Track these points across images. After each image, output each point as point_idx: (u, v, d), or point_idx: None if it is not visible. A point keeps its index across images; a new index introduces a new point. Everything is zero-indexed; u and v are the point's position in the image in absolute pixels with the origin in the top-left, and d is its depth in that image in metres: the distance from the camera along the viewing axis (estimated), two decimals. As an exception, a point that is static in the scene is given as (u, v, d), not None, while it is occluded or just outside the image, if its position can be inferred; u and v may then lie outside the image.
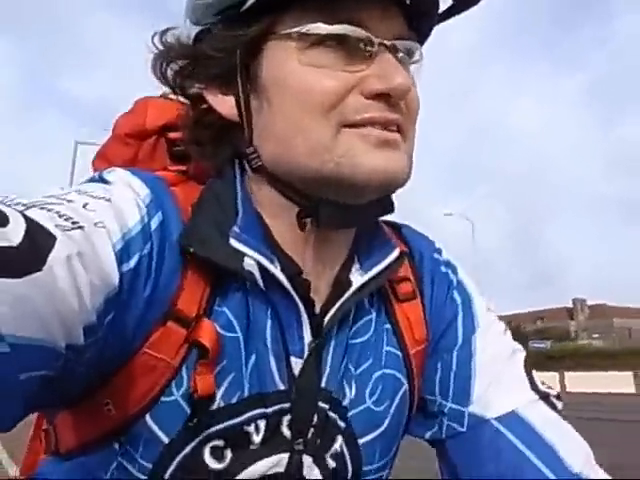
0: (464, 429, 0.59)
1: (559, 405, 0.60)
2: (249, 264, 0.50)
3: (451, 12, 0.56)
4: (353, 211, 0.53)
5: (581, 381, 23.11)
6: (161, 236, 0.49)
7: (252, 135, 0.54)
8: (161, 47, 0.57)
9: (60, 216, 0.43)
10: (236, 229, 0.51)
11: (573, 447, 0.56)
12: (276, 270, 0.51)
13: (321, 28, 0.49)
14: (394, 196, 0.57)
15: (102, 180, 0.52)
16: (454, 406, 0.60)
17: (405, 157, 0.52)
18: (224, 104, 0.54)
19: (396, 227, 0.68)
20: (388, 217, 0.60)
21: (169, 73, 0.57)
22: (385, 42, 0.50)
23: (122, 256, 0.46)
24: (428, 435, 0.63)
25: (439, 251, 0.68)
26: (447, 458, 0.61)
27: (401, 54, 0.53)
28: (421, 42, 0.56)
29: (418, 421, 0.63)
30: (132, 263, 0.46)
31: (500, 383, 0.59)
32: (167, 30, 0.57)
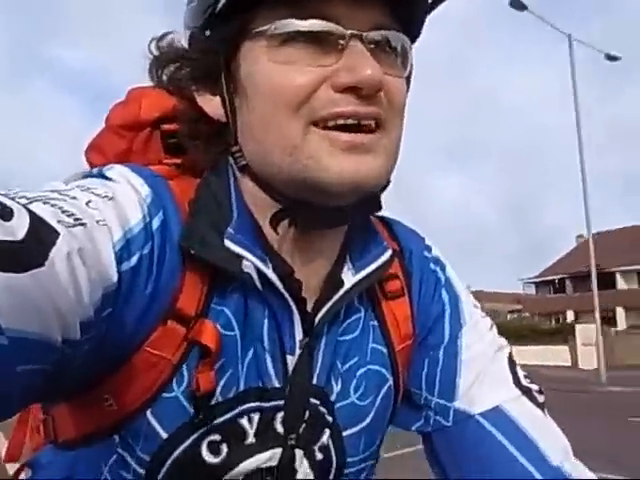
0: (449, 424, 0.61)
1: (540, 399, 0.62)
2: (247, 266, 0.51)
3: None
4: (333, 212, 0.52)
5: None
6: (162, 236, 0.50)
7: (237, 134, 0.54)
8: (156, 52, 0.58)
9: (63, 212, 0.43)
10: (230, 230, 0.51)
11: (553, 442, 0.59)
12: (268, 271, 0.51)
13: (289, 25, 0.48)
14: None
15: (102, 176, 0.52)
16: (440, 401, 0.62)
17: (380, 159, 0.51)
18: (211, 104, 0.55)
19: (388, 223, 0.69)
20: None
21: (164, 77, 0.58)
22: (357, 33, 0.49)
23: (122, 254, 0.46)
24: (414, 427, 0.65)
25: (429, 248, 0.69)
26: (434, 449, 0.64)
27: (373, 45, 0.50)
28: (409, 31, 0.53)
29: (404, 413, 0.65)
30: (132, 262, 0.47)
31: (485, 379, 0.61)
32: (164, 36, 0.58)
